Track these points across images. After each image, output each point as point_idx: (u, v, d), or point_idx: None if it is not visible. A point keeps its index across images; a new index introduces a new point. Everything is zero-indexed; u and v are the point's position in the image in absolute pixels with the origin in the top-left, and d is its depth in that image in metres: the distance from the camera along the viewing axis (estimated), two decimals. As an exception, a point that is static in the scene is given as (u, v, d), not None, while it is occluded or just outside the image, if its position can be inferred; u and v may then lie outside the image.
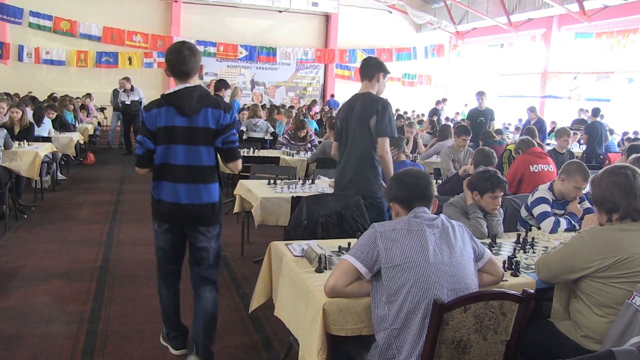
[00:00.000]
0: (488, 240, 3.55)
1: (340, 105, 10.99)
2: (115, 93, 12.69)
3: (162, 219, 3.32)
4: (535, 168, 5.76)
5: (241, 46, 20.51)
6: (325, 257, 2.82)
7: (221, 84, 7.83)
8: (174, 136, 3.15)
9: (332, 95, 20.96)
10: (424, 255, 2.32)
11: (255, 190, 5.07)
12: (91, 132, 12.57)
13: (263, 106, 14.25)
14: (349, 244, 3.09)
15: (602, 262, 2.54)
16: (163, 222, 3.33)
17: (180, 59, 3.13)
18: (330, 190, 5.11)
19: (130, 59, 19.21)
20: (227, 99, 8.56)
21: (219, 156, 3.29)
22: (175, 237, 3.36)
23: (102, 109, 16.78)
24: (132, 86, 12.60)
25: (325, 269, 2.77)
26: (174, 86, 3.19)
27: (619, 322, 2.40)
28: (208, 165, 3.22)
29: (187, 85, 3.17)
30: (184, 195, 3.19)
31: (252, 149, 8.13)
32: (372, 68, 4.28)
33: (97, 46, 18.87)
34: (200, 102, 3.14)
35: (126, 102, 12.48)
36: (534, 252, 3.38)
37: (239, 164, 3.31)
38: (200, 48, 19.81)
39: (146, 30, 19.37)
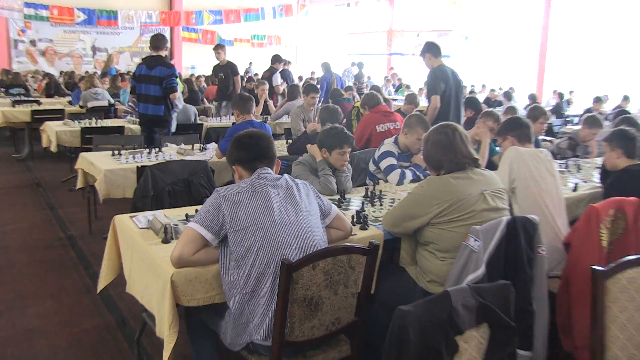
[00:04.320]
0: (338, 196, 3.61)
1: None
2: None
3: (140, 123, 6.73)
4: (382, 127, 5.83)
5: (78, 9, 18.88)
6: (171, 226, 2.73)
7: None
8: (143, 79, 6.34)
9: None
10: (270, 216, 2.30)
11: (97, 163, 4.78)
12: None
13: (106, 73, 13.51)
14: (197, 210, 2.97)
15: (439, 206, 2.69)
16: (140, 124, 6.72)
17: (153, 39, 6.44)
18: (178, 157, 4.98)
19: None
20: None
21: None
22: (145, 134, 6.46)
23: None
24: None
25: (172, 239, 2.69)
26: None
27: (457, 264, 2.56)
28: (158, 95, 6.30)
29: (153, 54, 6.41)
30: (149, 109, 6.34)
31: (94, 119, 7.66)
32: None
33: None
34: (156, 62, 6.31)
35: None
36: (381, 205, 3.50)
37: (176, 95, 6.40)
38: (30, 11, 18.12)
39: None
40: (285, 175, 2.52)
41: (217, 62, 9.29)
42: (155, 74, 6.26)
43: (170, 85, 6.29)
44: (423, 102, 9.53)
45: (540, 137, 5.93)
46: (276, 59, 10.26)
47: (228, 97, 9.09)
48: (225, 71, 9.15)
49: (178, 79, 6.75)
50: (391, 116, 6.04)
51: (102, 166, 4.66)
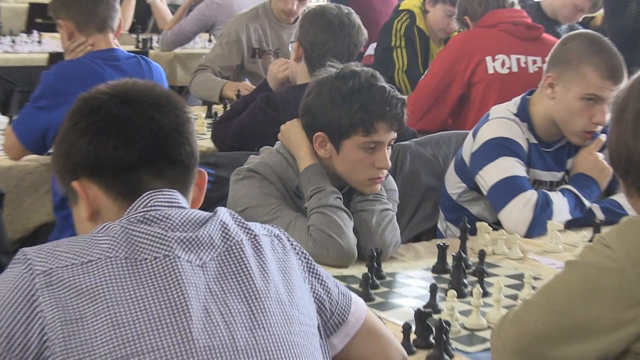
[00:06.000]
0: (364, 270, 3.58)
1: None
2: None
3: None
4: (504, 65, 6.06)
5: None
6: None
7: None
8: None
9: None
10: (178, 332, 2.15)
11: None
12: None
13: None
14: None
15: None
16: None
17: None
18: None
19: None
20: None
21: None
22: None
23: None
24: None
25: None
26: None
27: None
28: None
29: None
30: None
31: None
32: None
33: None
34: None
35: None
36: (486, 295, 3.45)
37: None
38: None
39: None
40: (222, 212, 2.42)
41: None
42: None
43: None
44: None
45: None
46: None
47: None
48: None
49: None
50: (536, 42, 6.20)
51: None
